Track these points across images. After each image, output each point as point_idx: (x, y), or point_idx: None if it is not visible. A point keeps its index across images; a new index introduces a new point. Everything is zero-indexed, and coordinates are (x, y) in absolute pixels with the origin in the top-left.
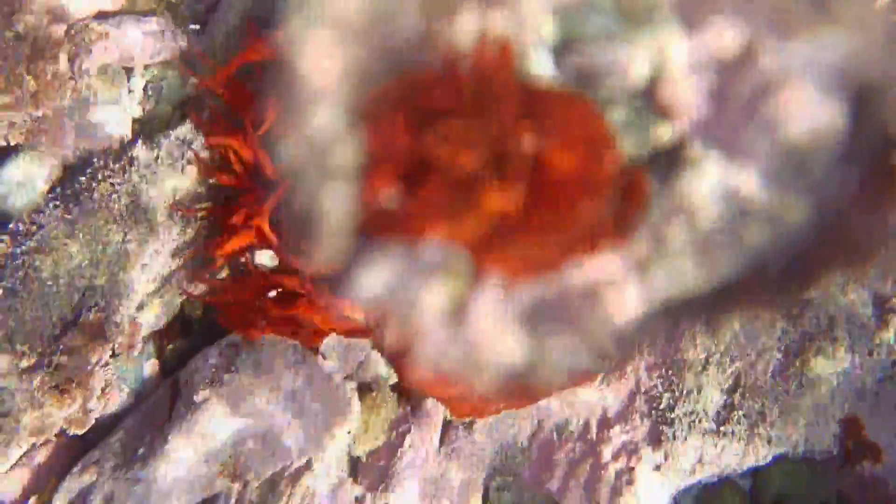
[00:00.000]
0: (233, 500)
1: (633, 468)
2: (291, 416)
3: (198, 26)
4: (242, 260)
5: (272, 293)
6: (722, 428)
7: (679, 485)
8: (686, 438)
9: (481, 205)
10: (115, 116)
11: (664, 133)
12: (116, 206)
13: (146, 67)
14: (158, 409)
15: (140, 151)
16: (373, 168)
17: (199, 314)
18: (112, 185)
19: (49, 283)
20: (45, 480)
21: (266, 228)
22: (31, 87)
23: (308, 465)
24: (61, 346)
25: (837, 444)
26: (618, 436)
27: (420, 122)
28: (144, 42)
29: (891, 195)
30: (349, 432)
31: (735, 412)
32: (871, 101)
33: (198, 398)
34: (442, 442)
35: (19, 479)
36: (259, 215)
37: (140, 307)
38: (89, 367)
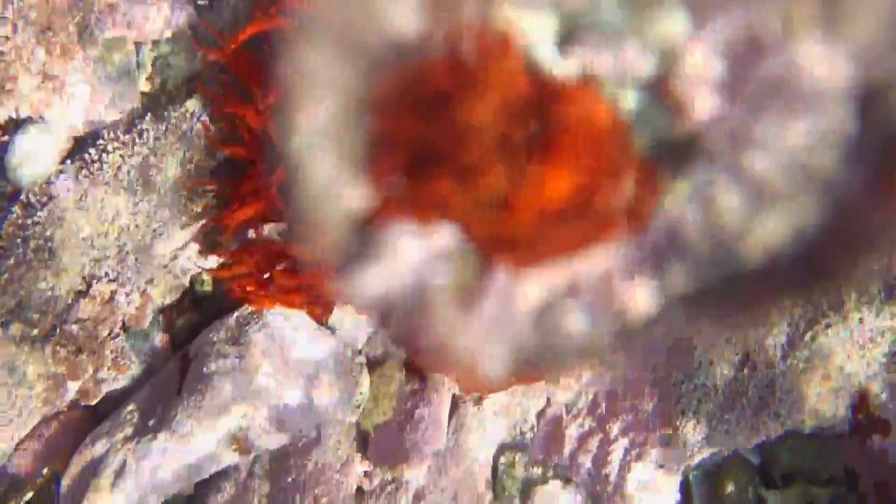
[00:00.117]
0: (242, 474)
1: (641, 444)
2: (301, 389)
3: (206, 1)
4: (252, 234)
5: (282, 265)
6: (731, 403)
7: (688, 460)
8: (695, 414)
9: (489, 191)
10: (124, 89)
11: (674, 125)
12: (126, 178)
13: (155, 42)
14: (169, 382)
15: (149, 124)
16: (379, 156)
17: (208, 288)
18: (121, 157)
19: (60, 253)
20: (57, 452)
21: (275, 198)
22: (40, 58)
23: (317, 439)
24: (72, 317)
25: (847, 418)
26: (627, 411)
27: (426, 109)
28: (153, 16)
29: None
30: (359, 406)
31: (744, 387)
32: (878, 99)
33: (207, 370)
34: (451, 416)
35: (32, 450)
36: (268, 185)
37: (150, 280)
38: (100, 338)
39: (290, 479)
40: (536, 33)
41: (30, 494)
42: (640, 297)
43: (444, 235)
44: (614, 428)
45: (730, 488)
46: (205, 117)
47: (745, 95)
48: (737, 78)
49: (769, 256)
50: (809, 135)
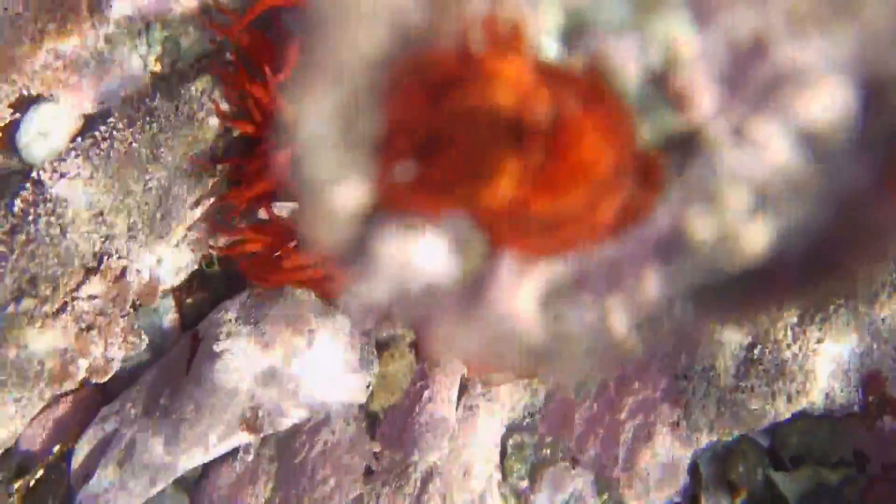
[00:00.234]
0: (251, 455)
1: (651, 425)
2: (309, 369)
3: None
4: (262, 213)
5: (292, 243)
6: (741, 384)
7: (697, 443)
8: (704, 396)
9: (498, 174)
10: (135, 68)
11: (678, 119)
12: (136, 156)
13: (165, 21)
14: (178, 361)
15: (159, 102)
16: (386, 145)
17: (217, 269)
18: (132, 134)
19: (71, 230)
20: (68, 430)
21: (285, 176)
22: (51, 36)
23: (326, 420)
24: (83, 293)
25: (858, 400)
26: (636, 392)
27: (435, 94)
28: None
29: None
30: (368, 387)
31: (754, 368)
32: (883, 95)
33: (217, 349)
34: (460, 397)
35: (43, 428)
36: (278, 163)
37: (159, 259)
38: (110, 315)
39: (298, 460)
40: (543, 26)
41: (41, 472)
42: (647, 291)
43: (451, 226)
44: (623, 410)
45: (739, 470)
46: (215, 95)
47: (749, 90)
48: (740, 73)
49: (774, 253)
50: (813, 129)
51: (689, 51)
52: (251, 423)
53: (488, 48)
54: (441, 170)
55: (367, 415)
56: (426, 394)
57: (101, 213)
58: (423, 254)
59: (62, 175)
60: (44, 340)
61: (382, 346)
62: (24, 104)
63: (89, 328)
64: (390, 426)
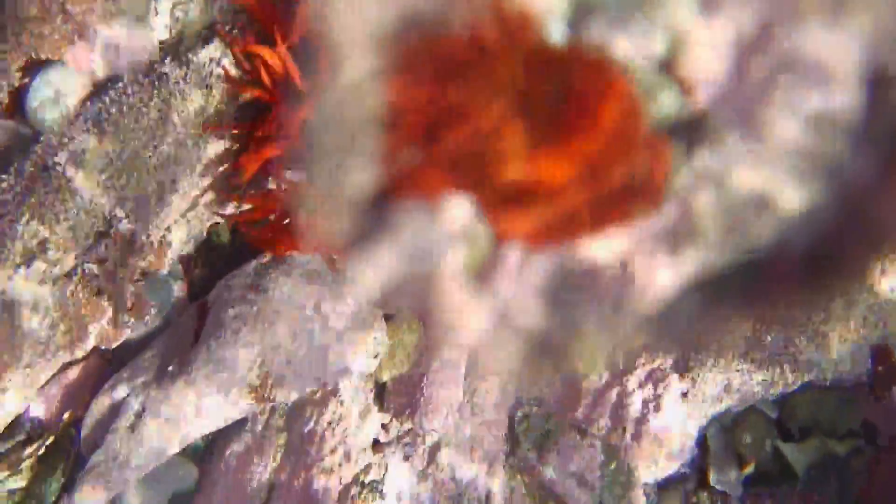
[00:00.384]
0: (259, 425)
1: (659, 396)
2: (319, 336)
3: None
4: (271, 182)
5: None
6: (750, 354)
7: (706, 412)
8: (713, 366)
9: (506, 154)
10: (144, 35)
11: (684, 105)
12: (145, 120)
13: None
14: (187, 329)
15: (169, 68)
16: (399, 121)
17: (225, 239)
18: (141, 100)
19: (80, 194)
20: (77, 398)
21: (295, 140)
22: (61, 1)
23: (334, 391)
24: (93, 257)
25: (867, 370)
26: (644, 364)
27: (445, 75)
28: None
29: None
30: (376, 356)
31: (763, 339)
32: (888, 90)
33: (226, 316)
34: (468, 368)
35: (53, 395)
36: (289, 126)
37: (168, 227)
38: (120, 279)
39: (306, 430)
40: (551, 10)
41: (51, 439)
42: (658, 279)
43: (457, 210)
44: (631, 381)
45: (747, 441)
46: (225, 61)
47: (755, 77)
48: (747, 60)
49: (780, 240)
50: (818, 117)
51: (696, 37)
52: (260, 390)
53: (499, 30)
54: (451, 145)
55: (376, 385)
56: (434, 364)
57: (111, 178)
58: (426, 240)
59: (72, 139)
60: (55, 304)
61: (391, 316)
62: (33, 69)
63: (99, 293)
64: (399, 396)
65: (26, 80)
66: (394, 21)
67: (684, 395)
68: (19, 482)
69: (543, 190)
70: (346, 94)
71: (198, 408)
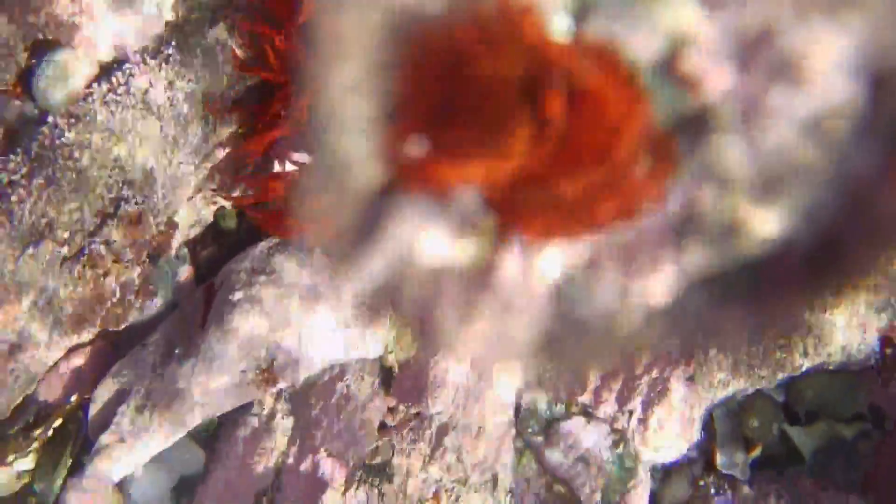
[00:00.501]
0: (266, 408)
1: (666, 380)
2: (327, 321)
3: None
4: (277, 166)
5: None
6: (755, 337)
7: (712, 396)
8: (719, 350)
9: (511, 148)
10: (151, 16)
11: (688, 100)
12: (152, 102)
13: None
14: (193, 313)
15: (175, 50)
16: (400, 119)
17: (231, 224)
18: (148, 81)
19: (87, 174)
20: (84, 380)
21: (302, 122)
22: None
23: (341, 375)
24: (100, 238)
25: (874, 353)
26: (651, 352)
27: (449, 67)
28: None
29: None
30: (382, 341)
31: (769, 321)
32: (890, 84)
33: (234, 299)
34: (474, 357)
35: (60, 378)
36: (296, 108)
37: (175, 210)
38: (127, 262)
39: (313, 415)
40: (555, 3)
41: (58, 421)
42: (662, 276)
43: (462, 204)
44: (638, 364)
45: (754, 425)
46: (232, 43)
47: (756, 74)
48: (748, 56)
49: (783, 239)
50: (820, 115)
51: (698, 33)
52: (267, 373)
53: (502, 23)
54: (455, 136)
55: (382, 369)
56: (441, 351)
57: (118, 159)
58: (430, 238)
59: (79, 120)
60: (63, 286)
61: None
62: (40, 49)
63: (106, 274)
64: (405, 380)
65: (33, 60)
66: (398, 12)
67: (690, 379)
68: (27, 464)
69: (549, 184)
70: (349, 84)
71: (205, 391)
